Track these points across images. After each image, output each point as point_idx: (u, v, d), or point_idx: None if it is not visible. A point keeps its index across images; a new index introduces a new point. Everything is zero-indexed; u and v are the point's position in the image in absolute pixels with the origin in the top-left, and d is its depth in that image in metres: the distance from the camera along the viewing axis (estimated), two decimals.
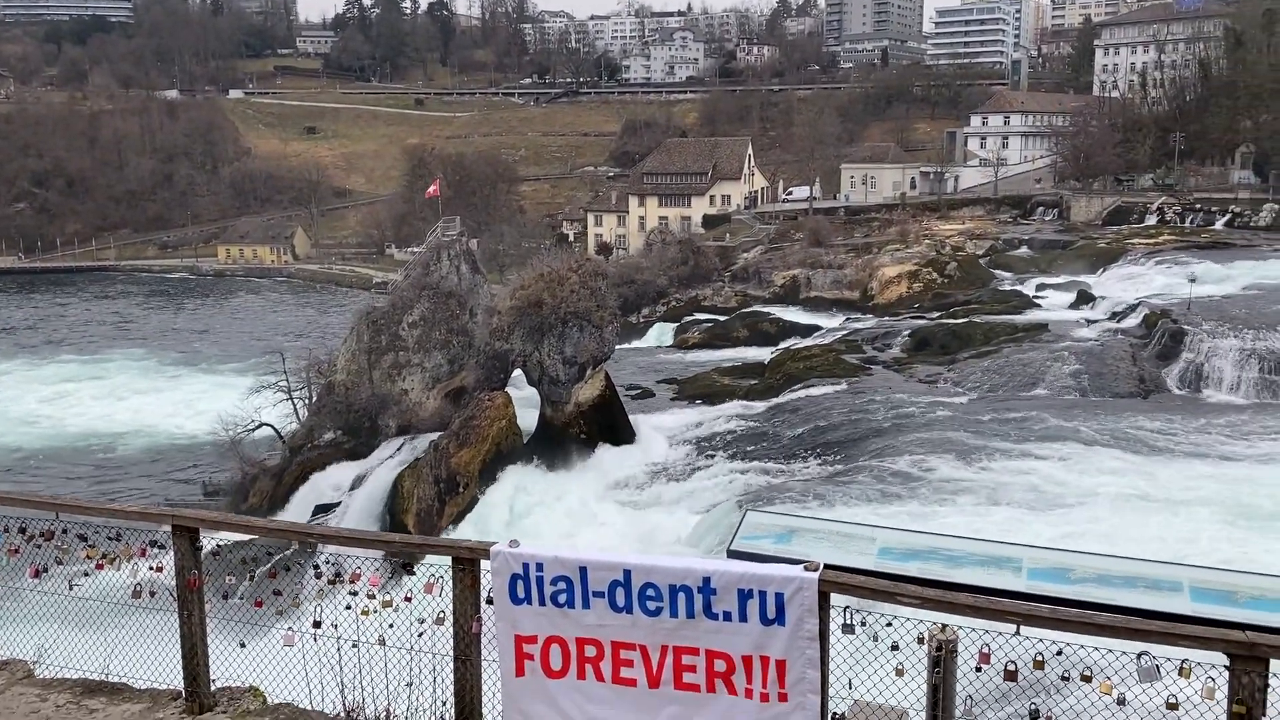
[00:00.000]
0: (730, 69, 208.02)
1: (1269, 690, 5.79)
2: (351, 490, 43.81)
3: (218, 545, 8.32)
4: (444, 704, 7.48)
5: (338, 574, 7.60)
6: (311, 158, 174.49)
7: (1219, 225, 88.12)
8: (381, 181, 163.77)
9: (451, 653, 7.15)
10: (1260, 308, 54.37)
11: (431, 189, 78.86)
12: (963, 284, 75.23)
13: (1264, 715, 5.76)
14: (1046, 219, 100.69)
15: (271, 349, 63.37)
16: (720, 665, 6.34)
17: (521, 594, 6.66)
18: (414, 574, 7.45)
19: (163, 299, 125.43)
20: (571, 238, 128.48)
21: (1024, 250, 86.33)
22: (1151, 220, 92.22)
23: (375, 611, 7.56)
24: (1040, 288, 72.75)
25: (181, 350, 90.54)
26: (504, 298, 49.41)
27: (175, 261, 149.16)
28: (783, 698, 6.25)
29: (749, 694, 6.30)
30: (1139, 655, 6.05)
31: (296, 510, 42.76)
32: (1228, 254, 72.80)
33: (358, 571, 7.58)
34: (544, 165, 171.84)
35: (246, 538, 14.22)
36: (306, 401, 50.30)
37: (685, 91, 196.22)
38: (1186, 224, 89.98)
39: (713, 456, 43.61)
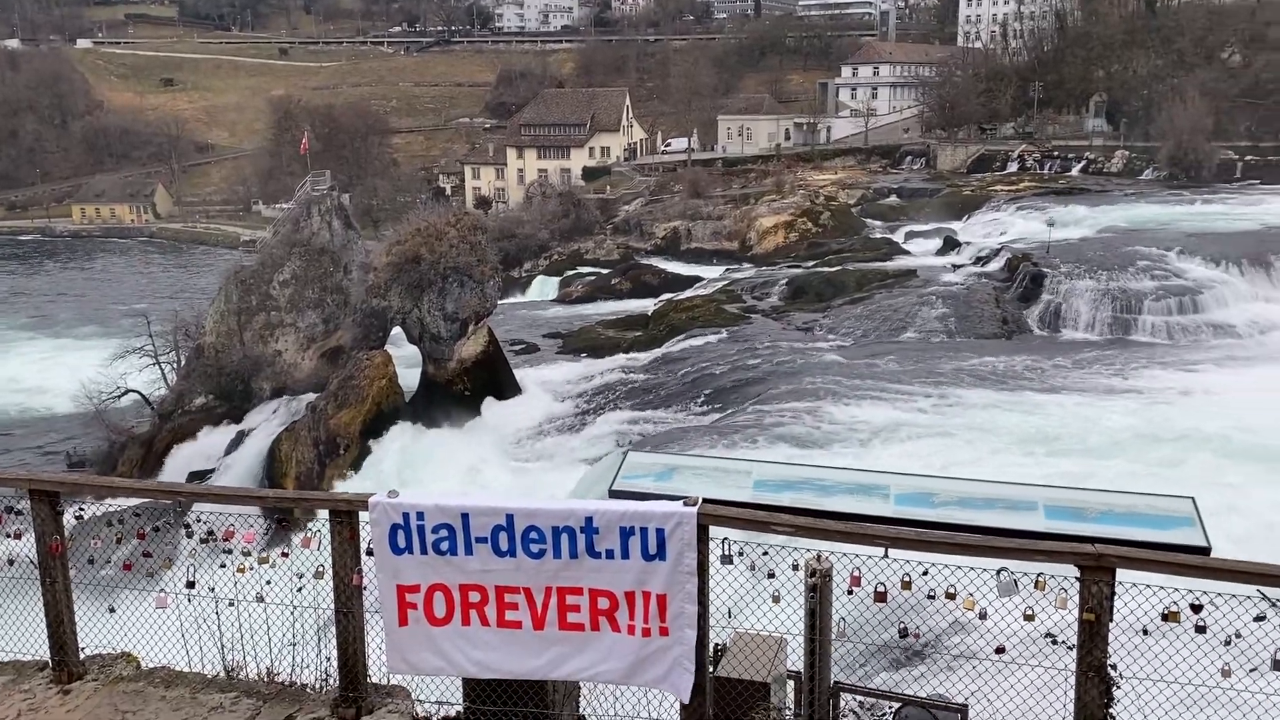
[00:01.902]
0: (605, 18, 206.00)
1: (1115, 598, 6.21)
2: (227, 456, 42.52)
3: (81, 510, 8.00)
4: (328, 659, 7.41)
5: (210, 533, 7.41)
6: (170, 111, 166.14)
7: (1075, 171, 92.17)
8: (246, 135, 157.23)
9: (333, 607, 7.08)
10: (1114, 250, 57.25)
11: (303, 144, 76.16)
12: (836, 233, 76.92)
13: (1110, 620, 6.18)
14: (915, 168, 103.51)
15: (135, 312, 60.58)
16: (604, 603, 6.45)
17: (402, 544, 6.62)
18: (291, 529, 7.32)
19: (15, 262, 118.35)
20: (449, 191, 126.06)
21: (894, 199, 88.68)
22: (1013, 168, 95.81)
23: (251, 569, 7.41)
24: (909, 235, 74.94)
25: (35, 315, 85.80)
26: (380, 254, 48.32)
27: (25, 222, 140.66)
28: (663, 632, 6.40)
29: (631, 630, 6.44)
30: (998, 571, 6.40)
31: (169, 478, 41.29)
32: (1084, 199, 76.25)
33: (231, 529, 7.40)
34: (417, 117, 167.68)
35: (114, 505, 13.69)
36: (175, 366, 48.42)
37: (561, 41, 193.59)
38: (1045, 171, 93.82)
39: (599, 409, 43.83)
